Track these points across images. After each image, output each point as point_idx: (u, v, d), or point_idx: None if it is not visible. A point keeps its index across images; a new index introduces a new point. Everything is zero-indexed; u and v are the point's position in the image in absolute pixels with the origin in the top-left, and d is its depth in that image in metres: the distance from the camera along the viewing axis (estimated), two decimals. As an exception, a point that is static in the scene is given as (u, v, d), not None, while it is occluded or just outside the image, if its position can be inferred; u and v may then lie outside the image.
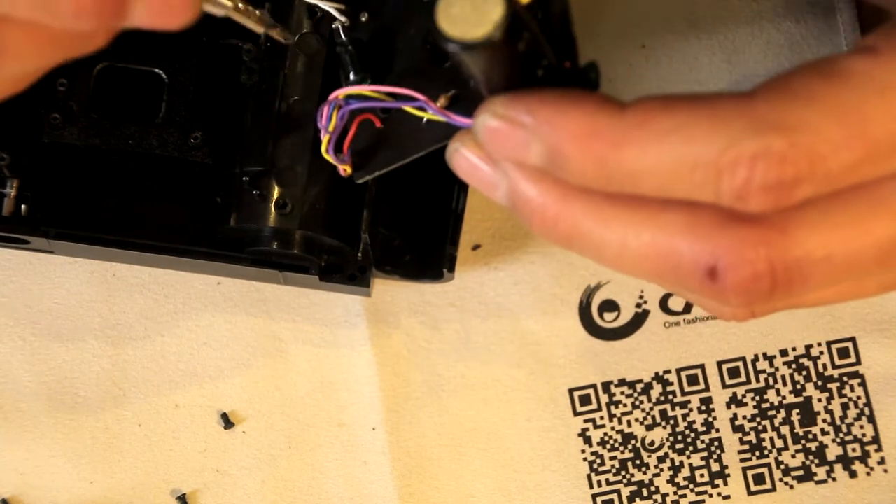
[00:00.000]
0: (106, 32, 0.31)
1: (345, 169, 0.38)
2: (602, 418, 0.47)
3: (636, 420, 0.47)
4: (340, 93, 0.37)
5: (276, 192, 0.41)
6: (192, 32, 0.42)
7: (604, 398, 0.47)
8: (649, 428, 0.47)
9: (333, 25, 0.40)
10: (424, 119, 0.36)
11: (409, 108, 0.36)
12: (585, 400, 0.47)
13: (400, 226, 0.43)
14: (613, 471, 0.46)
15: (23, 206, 0.42)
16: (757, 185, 0.30)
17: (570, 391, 0.47)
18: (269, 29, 0.38)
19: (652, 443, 0.46)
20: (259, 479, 0.46)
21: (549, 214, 0.32)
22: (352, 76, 0.39)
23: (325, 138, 0.38)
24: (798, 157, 0.30)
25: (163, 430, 0.46)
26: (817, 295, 0.33)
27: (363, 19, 0.40)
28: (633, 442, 0.46)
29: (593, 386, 0.47)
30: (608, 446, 0.46)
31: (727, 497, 0.46)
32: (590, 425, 0.47)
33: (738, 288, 0.31)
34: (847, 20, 0.47)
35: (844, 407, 0.47)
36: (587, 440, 0.46)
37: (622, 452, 0.46)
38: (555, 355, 0.47)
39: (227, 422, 0.46)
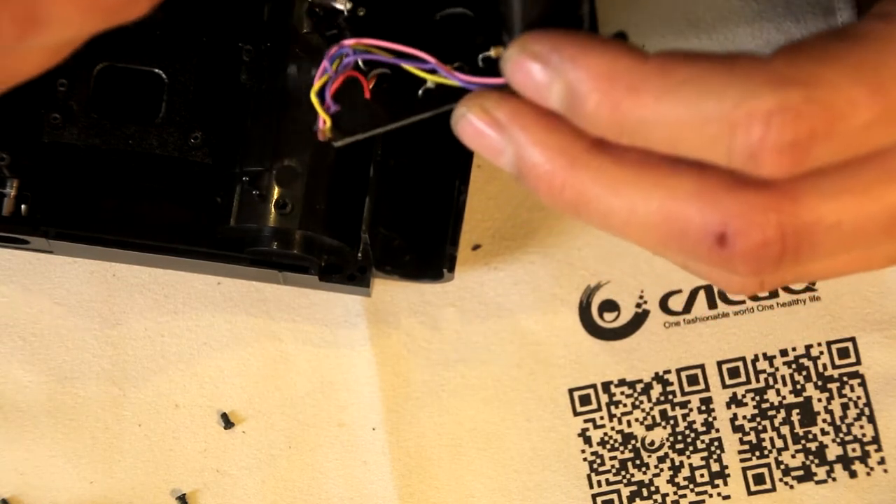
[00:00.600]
0: None
1: (324, 120, 0.36)
2: (602, 418, 0.47)
3: (636, 420, 0.47)
4: (351, 42, 0.36)
5: (275, 192, 0.41)
6: (192, 32, 0.42)
7: (604, 398, 0.47)
8: (649, 428, 0.47)
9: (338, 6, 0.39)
10: (427, 83, 0.35)
11: (414, 69, 0.35)
12: (585, 400, 0.47)
13: (400, 226, 0.43)
14: (613, 471, 0.46)
15: (23, 206, 0.42)
16: (771, 143, 0.29)
17: (570, 391, 0.47)
18: None
19: (652, 443, 0.46)
20: (259, 479, 0.46)
21: (557, 181, 0.32)
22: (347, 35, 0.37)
23: (319, 80, 0.36)
24: (816, 112, 0.29)
25: (163, 430, 0.46)
26: (825, 265, 0.33)
27: (360, 14, 0.39)
28: (633, 442, 0.46)
29: (593, 386, 0.47)
30: (608, 446, 0.46)
31: (727, 497, 0.46)
32: (590, 425, 0.47)
33: (748, 254, 0.31)
34: (847, 21, 0.47)
35: (844, 407, 0.47)
36: (587, 440, 0.47)
37: (622, 452, 0.46)
38: (555, 355, 0.47)
39: (227, 422, 0.46)
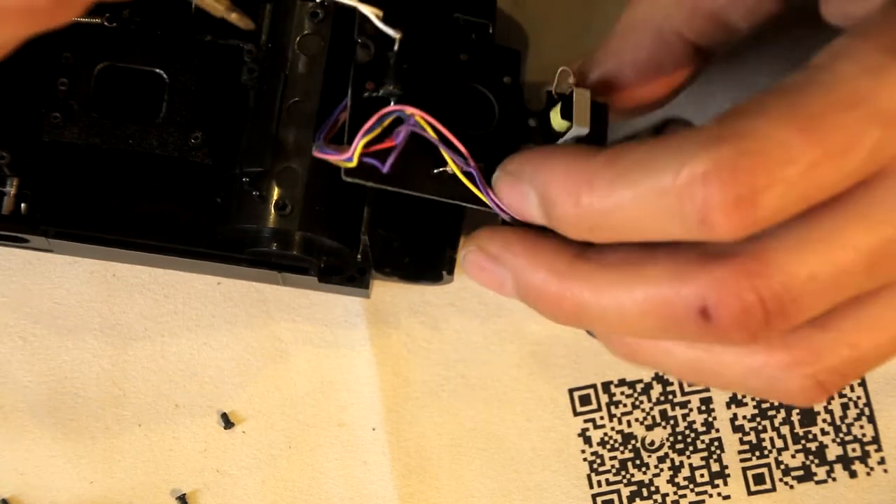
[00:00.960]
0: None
1: (347, 161, 0.38)
2: (602, 418, 0.47)
3: (636, 420, 0.47)
4: (416, 112, 0.37)
5: (275, 193, 0.41)
6: (193, 32, 0.42)
7: (604, 398, 0.47)
8: (649, 428, 0.47)
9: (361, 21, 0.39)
10: (447, 168, 0.38)
11: (452, 163, 0.38)
12: (585, 400, 0.47)
13: (400, 227, 0.43)
14: (613, 471, 0.46)
15: (22, 205, 0.42)
16: (716, 204, 0.30)
17: (570, 391, 0.47)
18: (228, 13, 0.39)
19: (652, 443, 0.46)
20: (259, 479, 0.46)
21: (552, 295, 0.35)
22: (393, 84, 0.39)
23: (364, 136, 0.37)
24: (751, 164, 0.30)
25: (163, 430, 0.46)
26: (864, 350, 0.34)
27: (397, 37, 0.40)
28: (633, 442, 0.46)
29: (593, 386, 0.47)
30: (608, 446, 0.46)
31: (727, 497, 0.46)
32: (590, 425, 0.47)
33: (734, 323, 0.32)
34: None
35: (844, 407, 0.47)
36: (587, 440, 0.47)
37: (622, 452, 0.46)
38: (555, 355, 0.47)
39: (227, 422, 0.46)
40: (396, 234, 0.43)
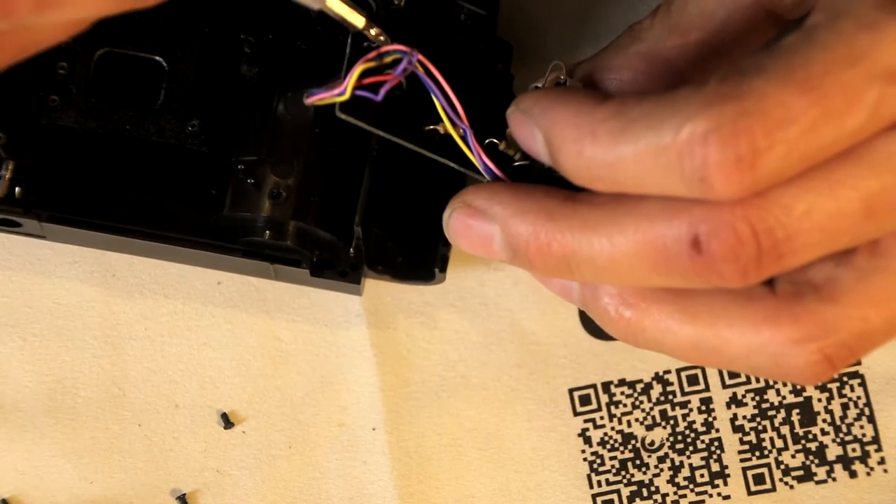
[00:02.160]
0: None
1: (346, 92, 0.37)
2: (602, 418, 0.47)
3: (636, 420, 0.47)
4: (420, 57, 0.37)
5: (271, 181, 0.41)
6: (194, 21, 0.42)
7: (604, 398, 0.47)
8: (649, 428, 0.47)
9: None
10: (439, 127, 0.38)
11: (445, 117, 0.37)
12: (585, 400, 0.47)
13: (393, 225, 0.43)
14: (613, 471, 0.46)
15: (17, 189, 0.42)
16: (715, 163, 0.29)
17: (570, 391, 0.47)
18: (368, 28, 0.38)
19: (652, 443, 0.46)
20: (259, 479, 0.46)
21: (542, 239, 0.34)
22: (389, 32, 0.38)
23: (363, 63, 0.37)
24: (750, 124, 0.29)
25: (163, 430, 0.46)
26: (861, 324, 0.33)
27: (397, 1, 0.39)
28: (633, 442, 0.46)
29: (593, 386, 0.47)
30: (608, 446, 0.46)
31: (727, 497, 0.46)
32: (590, 425, 0.47)
33: (725, 255, 0.31)
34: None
35: (844, 407, 0.47)
36: (587, 440, 0.47)
37: (622, 452, 0.46)
38: (555, 355, 0.47)
39: (227, 422, 0.46)
40: (390, 232, 0.43)
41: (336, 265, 0.43)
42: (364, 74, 0.37)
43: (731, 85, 0.30)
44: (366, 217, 0.42)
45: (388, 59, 0.37)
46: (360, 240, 0.42)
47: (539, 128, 0.34)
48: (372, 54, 0.37)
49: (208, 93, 0.42)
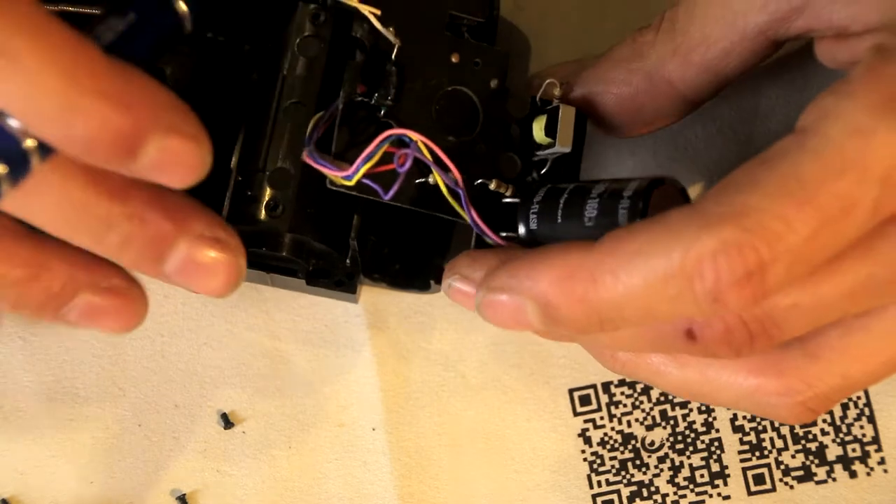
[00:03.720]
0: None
1: (346, 179, 0.39)
2: (602, 418, 0.47)
3: (636, 420, 0.47)
4: (418, 137, 0.38)
5: (267, 193, 0.41)
6: (194, 27, 0.42)
7: (604, 398, 0.47)
8: (649, 428, 0.47)
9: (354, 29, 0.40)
10: (429, 179, 0.39)
11: (441, 182, 0.39)
12: (585, 400, 0.47)
13: (390, 234, 0.43)
14: (613, 471, 0.46)
15: None
16: (727, 281, 0.30)
17: (571, 391, 0.47)
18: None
19: (652, 443, 0.46)
20: (259, 479, 0.46)
21: (576, 296, 0.34)
22: (386, 94, 0.40)
23: (366, 163, 0.38)
24: (754, 240, 0.30)
25: (163, 430, 0.46)
26: (850, 370, 0.35)
27: (391, 33, 0.40)
28: (633, 442, 0.46)
29: (593, 386, 0.47)
30: (608, 446, 0.46)
31: (727, 497, 0.46)
32: (590, 425, 0.47)
33: (718, 343, 0.32)
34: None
35: (844, 407, 0.47)
36: (587, 440, 0.46)
37: (622, 453, 0.46)
38: (555, 355, 0.47)
39: (227, 422, 0.46)
40: (387, 240, 0.43)
41: (332, 274, 0.43)
42: (374, 171, 0.38)
43: (728, 204, 0.31)
44: (363, 226, 0.42)
45: (387, 146, 0.38)
46: (355, 251, 0.42)
47: (529, 297, 0.33)
48: (373, 145, 0.38)
49: (207, 101, 0.42)
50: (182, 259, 0.32)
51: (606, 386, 0.47)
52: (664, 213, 0.32)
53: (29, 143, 0.29)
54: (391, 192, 0.39)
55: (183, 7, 0.35)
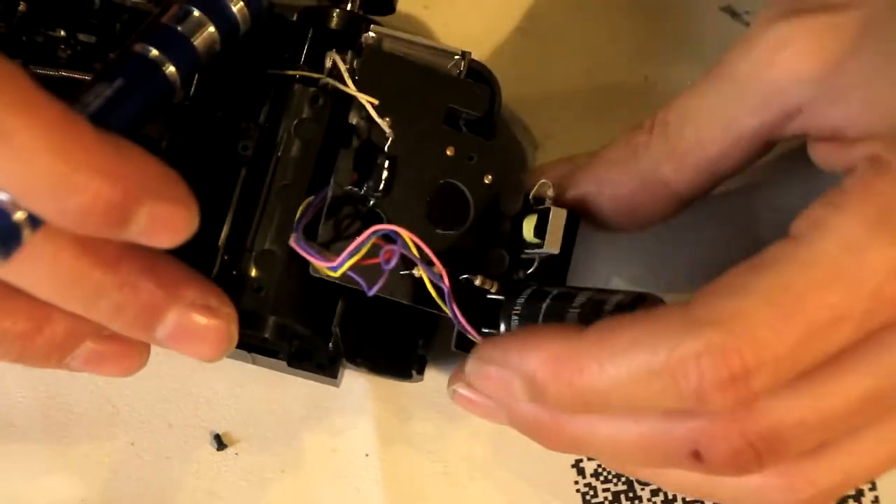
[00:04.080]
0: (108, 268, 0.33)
1: (332, 270, 0.39)
2: (596, 450, 0.46)
3: (630, 452, 0.46)
4: (407, 235, 0.39)
5: (252, 273, 0.40)
6: (193, 100, 0.42)
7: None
8: (643, 461, 0.46)
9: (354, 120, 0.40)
10: (415, 272, 0.39)
11: (423, 273, 0.39)
12: (580, 431, 0.47)
13: (373, 322, 0.43)
14: (607, 503, 0.46)
15: None
16: (710, 383, 0.31)
17: (565, 422, 0.47)
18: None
19: (645, 476, 0.46)
20: (250, 501, 0.46)
21: (546, 431, 0.36)
22: (376, 186, 0.40)
23: (353, 255, 0.38)
24: (739, 346, 0.30)
25: (155, 450, 0.46)
26: (849, 464, 0.35)
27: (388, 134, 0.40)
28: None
29: (588, 417, 0.47)
30: (602, 478, 0.46)
31: (719, 532, 0.46)
32: (584, 456, 0.46)
33: (725, 463, 0.33)
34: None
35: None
36: (581, 471, 0.46)
37: (615, 484, 0.46)
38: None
39: (220, 443, 0.46)
40: (369, 328, 0.43)
41: (314, 356, 0.43)
42: (360, 263, 0.39)
43: (717, 308, 0.31)
44: (346, 313, 0.41)
45: (374, 240, 0.39)
46: (338, 338, 0.41)
47: (517, 374, 0.34)
48: (360, 239, 0.38)
49: (200, 174, 0.42)
50: (173, 326, 0.33)
51: (601, 417, 0.47)
52: (653, 308, 0.32)
53: (19, 215, 0.30)
54: (375, 289, 0.39)
55: (172, 70, 0.35)
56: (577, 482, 0.46)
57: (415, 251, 0.39)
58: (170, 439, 0.46)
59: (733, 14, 0.48)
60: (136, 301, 0.32)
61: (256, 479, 0.46)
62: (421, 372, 0.43)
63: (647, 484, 0.46)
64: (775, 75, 0.36)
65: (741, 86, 0.37)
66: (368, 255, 0.39)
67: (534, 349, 0.34)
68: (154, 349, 0.46)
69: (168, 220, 0.31)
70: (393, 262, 0.38)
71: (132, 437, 0.46)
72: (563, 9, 0.48)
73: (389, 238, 0.39)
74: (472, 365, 0.36)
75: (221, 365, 0.46)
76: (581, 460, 0.46)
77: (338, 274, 0.39)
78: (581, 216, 0.40)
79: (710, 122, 0.38)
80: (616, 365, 0.32)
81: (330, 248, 0.39)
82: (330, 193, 0.39)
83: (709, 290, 0.32)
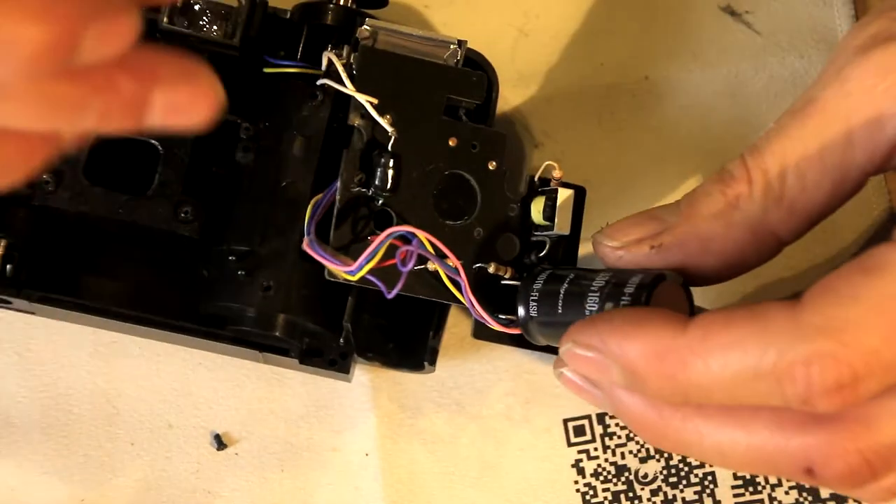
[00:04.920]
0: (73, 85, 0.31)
1: (350, 274, 0.39)
2: (596, 449, 0.46)
3: (630, 452, 0.46)
4: (423, 235, 0.39)
5: (261, 273, 0.40)
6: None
7: (598, 429, 0.46)
8: (643, 460, 0.46)
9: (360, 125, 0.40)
10: (428, 265, 0.39)
11: (440, 268, 0.39)
12: (580, 431, 0.47)
13: (384, 314, 0.43)
14: (606, 503, 0.46)
15: (8, 266, 0.41)
16: (818, 389, 0.31)
17: (565, 421, 0.47)
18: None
19: (645, 475, 0.46)
20: (250, 501, 0.46)
21: (651, 429, 0.35)
22: (384, 185, 0.40)
23: (371, 258, 0.38)
24: (850, 355, 0.30)
25: (155, 450, 0.46)
26: None
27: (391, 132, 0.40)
28: (626, 474, 0.46)
29: (588, 417, 0.47)
30: (601, 478, 0.46)
31: (719, 532, 0.46)
32: (583, 456, 0.46)
33: (840, 480, 0.33)
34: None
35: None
36: (581, 471, 0.46)
37: (615, 484, 0.46)
38: (550, 385, 0.46)
39: (220, 443, 0.46)
40: (381, 320, 0.43)
41: (325, 353, 0.43)
42: (378, 266, 0.39)
43: (826, 314, 0.31)
44: (357, 305, 0.42)
45: (390, 242, 0.39)
46: (349, 333, 0.41)
47: (616, 361, 0.34)
48: (376, 243, 0.38)
49: (202, 178, 0.42)
50: (162, 109, 0.31)
51: (601, 417, 0.47)
52: (758, 306, 0.32)
53: None
54: (394, 292, 0.39)
55: None
56: (576, 482, 0.46)
57: (431, 249, 0.39)
58: (170, 439, 0.46)
59: (733, 14, 0.48)
60: (119, 100, 0.30)
61: (256, 479, 0.46)
62: (433, 363, 0.42)
63: (647, 483, 0.46)
64: (879, 107, 0.35)
65: (841, 123, 0.36)
66: (384, 256, 0.39)
67: (634, 339, 0.33)
68: (153, 349, 0.47)
69: (115, 33, 0.29)
70: (410, 265, 0.38)
71: (132, 438, 0.46)
72: (562, 8, 0.48)
73: (404, 237, 0.39)
74: (567, 349, 0.36)
75: (221, 364, 0.46)
76: (581, 460, 0.46)
77: (356, 278, 0.39)
78: (683, 275, 0.38)
79: (814, 167, 0.36)
80: (722, 364, 0.32)
81: (344, 251, 0.39)
82: (338, 197, 0.39)
83: (818, 292, 0.32)
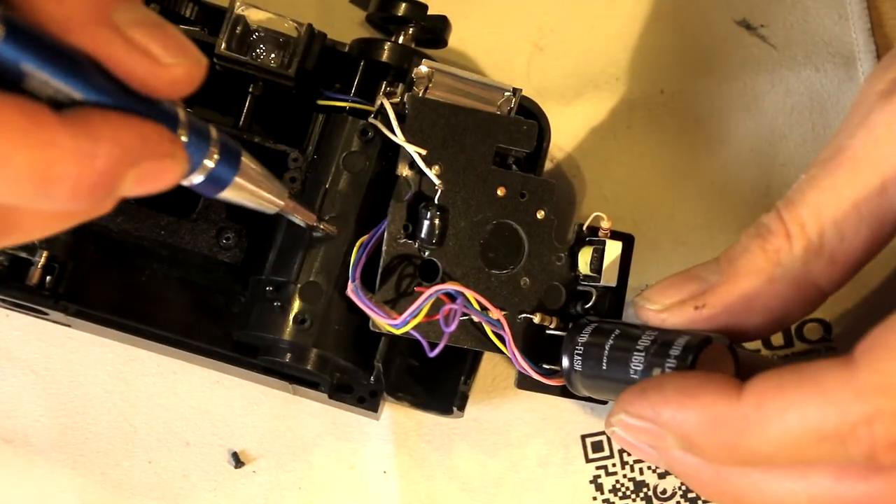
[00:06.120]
0: (110, 202, 0.31)
1: (395, 328, 0.39)
2: (614, 465, 0.46)
3: (648, 468, 0.46)
4: (471, 294, 0.39)
5: (297, 306, 0.40)
6: (240, 131, 0.42)
7: (616, 445, 0.46)
8: (661, 476, 0.46)
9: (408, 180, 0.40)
10: (476, 320, 0.40)
11: (484, 322, 0.39)
12: (598, 446, 0.46)
13: (416, 354, 0.43)
14: (625, 519, 0.46)
15: (48, 278, 0.42)
16: (882, 445, 0.31)
17: (583, 437, 0.46)
18: (319, 222, 0.40)
19: (664, 491, 0.46)
20: (269, 519, 0.46)
21: (706, 485, 0.35)
22: (430, 238, 0.40)
23: (419, 310, 0.39)
24: None
25: (173, 468, 0.46)
26: None
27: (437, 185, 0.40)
28: (644, 490, 0.46)
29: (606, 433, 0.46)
30: (620, 493, 0.46)
31: (739, 548, 0.46)
32: (602, 472, 0.46)
33: None
34: (868, 70, 0.47)
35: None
36: (599, 487, 0.46)
37: (634, 500, 0.46)
38: (568, 401, 0.46)
39: (238, 461, 0.46)
40: (412, 362, 0.43)
41: (355, 389, 0.43)
42: (421, 320, 0.39)
43: (882, 372, 0.31)
44: (390, 345, 0.41)
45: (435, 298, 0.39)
46: (380, 372, 0.41)
47: (670, 431, 0.34)
48: (422, 299, 0.38)
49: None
50: (133, 185, 0.31)
51: (619, 433, 0.46)
52: (811, 366, 0.32)
53: None
54: (437, 350, 0.39)
55: None
56: (595, 498, 0.46)
57: (477, 307, 0.39)
58: (187, 457, 0.46)
59: (749, 28, 0.48)
60: (89, 178, 0.29)
61: (274, 497, 0.46)
62: (462, 408, 0.42)
63: (665, 499, 0.46)
64: None
65: (872, 171, 0.36)
66: (429, 310, 0.39)
67: (687, 409, 0.34)
68: (170, 366, 0.47)
69: (156, 175, 0.30)
70: (453, 326, 0.38)
71: (150, 456, 0.46)
72: (577, 23, 0.48)
73: (449, 294, 0.39)
74: (619, 419, 0.35)
75: (238, 383, 0.46)
76: (599, 476, 0.46)
77: (400, 332, 0.39)
78: (727, 333, 0.37)
79: (850, 217, 0.36)
80: (781, 430, 0.32)
81: (390, 304, 0.39)
82: (385, 249, 0.39)
83: (868, 348, 0.32)
